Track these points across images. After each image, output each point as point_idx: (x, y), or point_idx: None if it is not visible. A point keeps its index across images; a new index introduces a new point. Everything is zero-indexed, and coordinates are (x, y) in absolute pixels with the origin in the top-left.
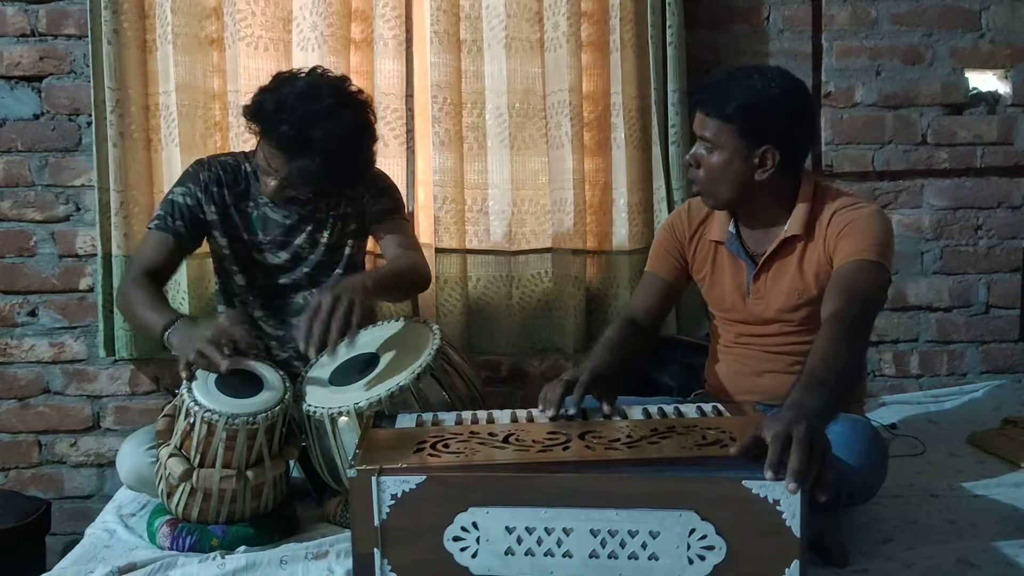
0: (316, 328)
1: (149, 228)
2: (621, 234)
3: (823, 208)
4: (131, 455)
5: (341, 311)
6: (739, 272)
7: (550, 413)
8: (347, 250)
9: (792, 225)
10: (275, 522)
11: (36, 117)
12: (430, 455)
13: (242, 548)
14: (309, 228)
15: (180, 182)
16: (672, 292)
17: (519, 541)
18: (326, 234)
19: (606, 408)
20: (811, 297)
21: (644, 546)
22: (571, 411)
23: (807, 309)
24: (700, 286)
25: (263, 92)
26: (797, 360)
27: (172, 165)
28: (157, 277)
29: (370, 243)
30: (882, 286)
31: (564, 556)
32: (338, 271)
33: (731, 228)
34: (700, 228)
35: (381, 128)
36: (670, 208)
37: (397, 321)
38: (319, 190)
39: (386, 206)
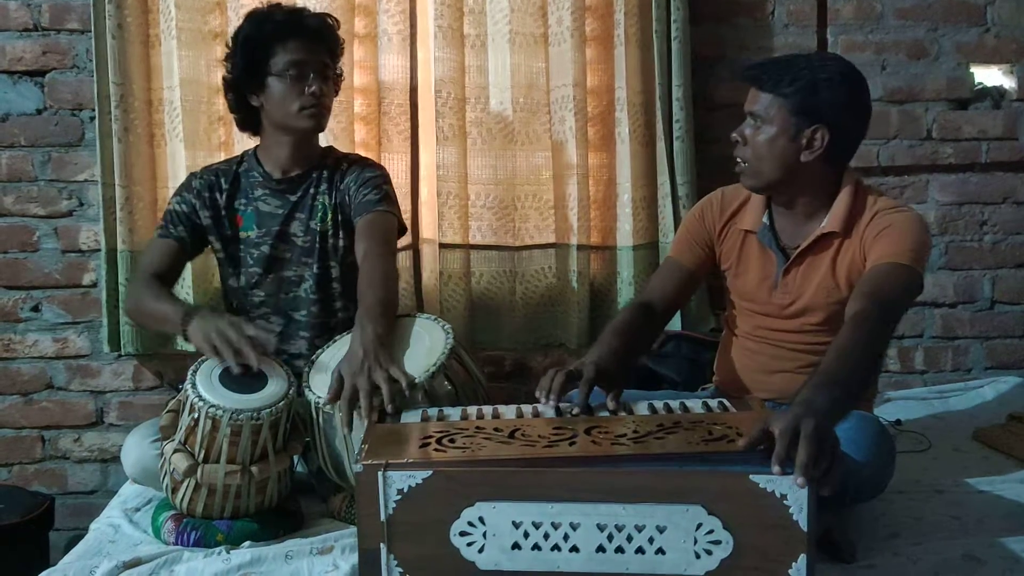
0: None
1: (153, 238)
2: (625, 230)
3: (864, 207)
4: (136, 448)
5: (366, 390)
6: (768, 264)
7: (552, 401)
8: (340, 241)
9: (831, 221)
10: (280, 517)
11: (39, 112)
12: (436, 450)
13: (247, 543)
14: (302, 216)
15: (176, 192)
16: (691, 281)
17: (526, 536)
18: (318, 222)
19: (611, 404)
20: (840, 298)
21: (651, 540)
22: (574, 410)
23: (833, 308)
24: (726, 276)
25: (255, 22)
26: (811, 361)
27: (176, 160)
28: (163, 279)
29: None
30: (911, 291)
31: (571, 551)
32: (333, 263)
33: (765, 219)
34: (732, 218)
35: (385, 123)
36: (674, 204)
37: (408, 317)
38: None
39: (368, 197)
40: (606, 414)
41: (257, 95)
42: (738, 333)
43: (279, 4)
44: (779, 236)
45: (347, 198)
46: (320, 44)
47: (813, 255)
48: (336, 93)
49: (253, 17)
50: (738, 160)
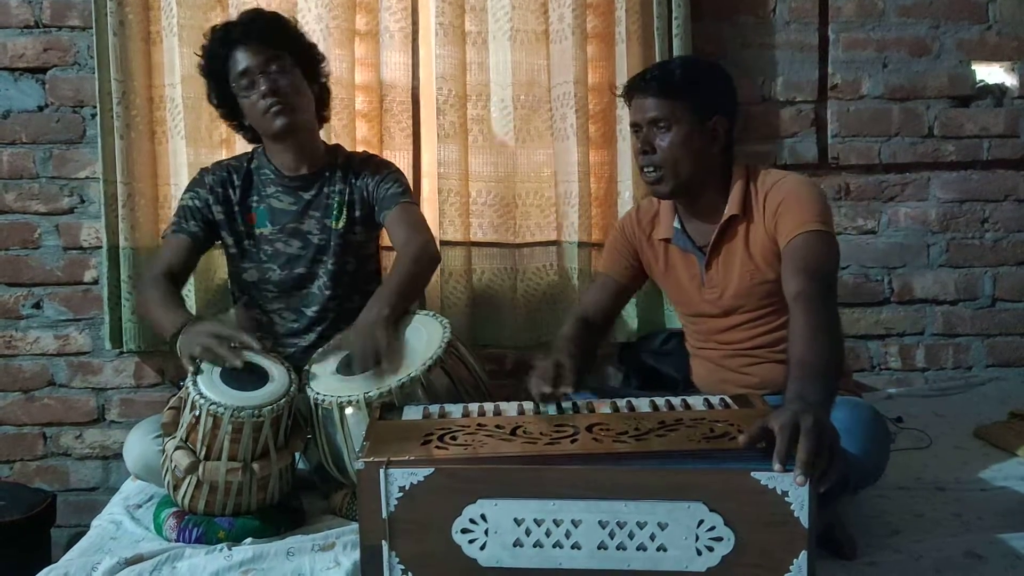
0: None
1: (164, 236)
2: None
3: (756, 188)
4: (138, 444)
5: (370, 353)
6: (691, 265)
7: (552, 409)
8: (356, 237)
9: (731, 206)
10: (281, 514)
11: (40, 109)
12: (437, 447)
13: (248, 540)
14: (317, 215)
15: (188, 188)
16: (624, 293)
17: (528, 533)
18: (333, 220)
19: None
20: (764, 279)
21: (653, 537)
22: (545, 388)
23: (762, 289)
24: (659, 285)
25: (204, 52)
26: (773, 350)
27: (178, 157)
28: (175, 279)
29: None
30: (833, 253)
31: (573, 548)
32: (350, 259)
33: (675, 224)
34: (649, 229)
35: (386, 120)
36: None
37: (407, 313)
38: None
39: (392, 190)
40: (607, 410)
41: (242, 116)
42: (695, 345)
43: (226, 22)
44: (692, 238)
45: (365, 194)
46: (259, 43)
47: (727, 244)
48: (319, 84)
49: (204, 46)
50: (649, 170)
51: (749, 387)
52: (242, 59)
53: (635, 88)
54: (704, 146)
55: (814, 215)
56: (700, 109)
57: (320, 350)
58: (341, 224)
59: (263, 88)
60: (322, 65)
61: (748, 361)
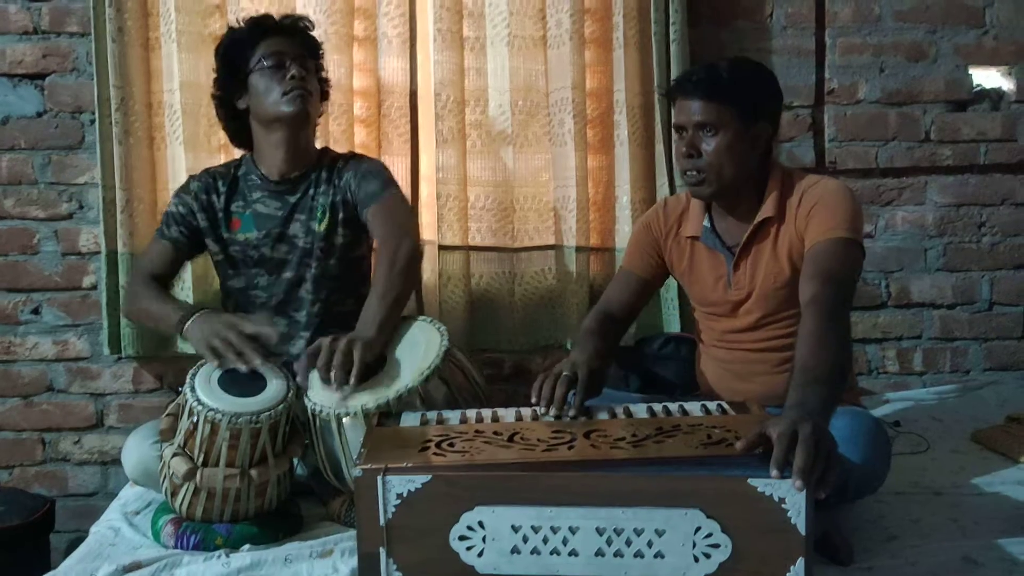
0: (320, 363)
1: (153, 238)
2: (624, 231)
3: (792, 190)
4: (137, 448)
5: (341, 348)
6: (718, 265)
7: (554, 412)
8: (340, 239)
9: (766, 208)
10: (279, 521)
11: (39, 115)
12: (435, 454)
13: (246, 546)
14: (303, 218)
15: (174, 195)
16: (647, 289)
17: (525, 540)
18: (317, 223)
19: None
20: (786, 279)
21: (650, 544)
22: (571, 413)
23: (784, 292)
24: (681, 282)
25: (231, 31)
26: (784, 359)
27: (176, 163)
28: (160, 280)
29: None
30: (856, 263)
31: (570, 554)
32: (333, 261)
33: (705, 223)
34: (676, 226)
35: (384, 126)
36: None
37: (405, 319)
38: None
39: (371, 188)
40: (604, 416)
41: (242, 97)
42: (706, 340)
43: (265, 15)
44: (722, 237)
45: (348, 194)
46: (295, 38)
47: (756, 244)
48: (325, 95)
49: (229, 29)
50: (692, 173)
51: (755, 390)
52: (277, 43)
53: (681, 90)
54: (747, 151)
55: (843, 222)
56: (746, 114)
57: (302, 354)
58: (323, 226)
59: (292, 72)
60: (327, 88)
61: (758, 365)
